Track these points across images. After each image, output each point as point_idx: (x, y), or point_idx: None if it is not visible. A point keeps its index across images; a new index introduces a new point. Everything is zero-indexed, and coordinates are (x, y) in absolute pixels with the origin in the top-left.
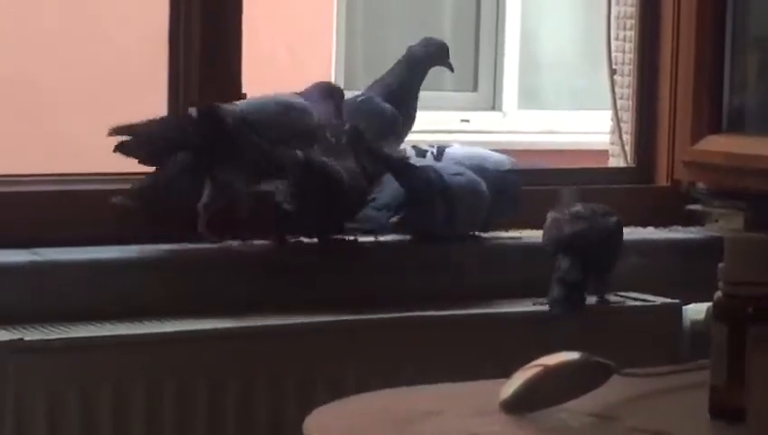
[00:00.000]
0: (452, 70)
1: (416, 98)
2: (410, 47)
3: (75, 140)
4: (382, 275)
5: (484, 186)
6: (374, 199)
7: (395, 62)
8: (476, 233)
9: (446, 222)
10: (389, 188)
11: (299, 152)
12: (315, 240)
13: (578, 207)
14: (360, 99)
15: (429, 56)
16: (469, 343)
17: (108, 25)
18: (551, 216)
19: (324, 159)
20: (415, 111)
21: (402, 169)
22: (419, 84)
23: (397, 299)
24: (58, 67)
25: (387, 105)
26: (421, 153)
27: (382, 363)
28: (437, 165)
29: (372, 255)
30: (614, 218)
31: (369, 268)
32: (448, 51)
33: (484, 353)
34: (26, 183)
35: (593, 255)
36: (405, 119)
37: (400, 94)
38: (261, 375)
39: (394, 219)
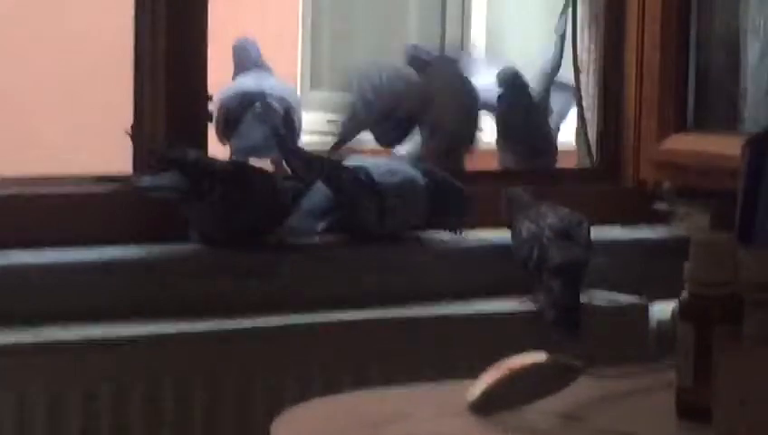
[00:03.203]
0: None
1: None
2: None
3: (45, 142)
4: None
5: (421, 183)
6: (300, 206)
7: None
8: (416, 232)
9: (378, 222)
10: (317, 193)
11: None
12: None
13: (551, 219)
14: None
15: None
16: (435, 342)
17: (75, 30)
18: (525, 226)
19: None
20: None
21: (330, 171)
22: None
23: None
24: (27, 72)
25: None
26: None
27: (349, 365)
28: (371, 164)
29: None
30: (585, 225)
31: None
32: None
33: (449, 354)
34: None
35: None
36: None
37: None
38: (228, 377)
39: (322, 225)
